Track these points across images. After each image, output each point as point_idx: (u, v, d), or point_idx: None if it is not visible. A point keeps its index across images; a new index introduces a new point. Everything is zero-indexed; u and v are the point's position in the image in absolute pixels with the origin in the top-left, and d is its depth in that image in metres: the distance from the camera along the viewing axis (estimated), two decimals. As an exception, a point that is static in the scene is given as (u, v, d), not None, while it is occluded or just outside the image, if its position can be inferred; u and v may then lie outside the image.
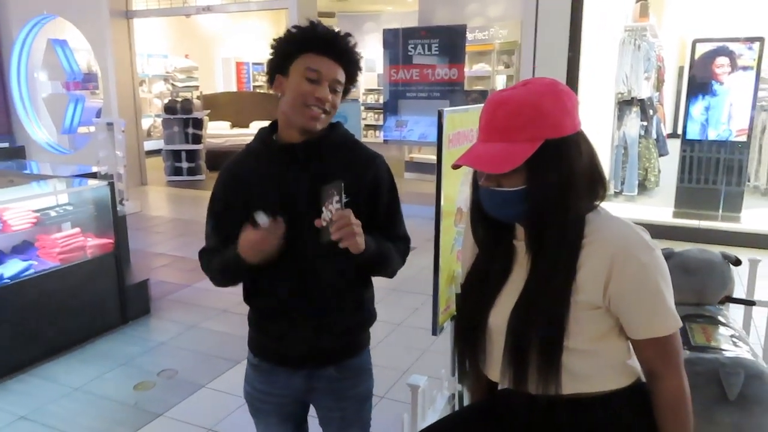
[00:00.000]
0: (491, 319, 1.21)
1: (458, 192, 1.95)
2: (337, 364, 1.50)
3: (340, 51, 1.39)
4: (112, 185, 3.92)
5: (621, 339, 1.18)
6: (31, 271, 3.47)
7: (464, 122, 1.92)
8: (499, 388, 1.29)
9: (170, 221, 7.06)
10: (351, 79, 1.44)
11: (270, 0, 7.82)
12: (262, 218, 1.32)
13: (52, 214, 3.86)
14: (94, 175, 4.66)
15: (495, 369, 1.23)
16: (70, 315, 3.58)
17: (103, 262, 3.82)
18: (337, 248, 1.32)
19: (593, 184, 1.15)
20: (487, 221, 1.21)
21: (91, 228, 3.93)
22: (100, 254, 3.81)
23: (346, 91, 1.45)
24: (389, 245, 1.46)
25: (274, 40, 1.43)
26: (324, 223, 1.29)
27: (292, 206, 1.39)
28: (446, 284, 1.92)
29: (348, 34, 1.41)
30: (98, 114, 8.74)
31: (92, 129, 8.21)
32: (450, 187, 1.87)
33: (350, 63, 1.41)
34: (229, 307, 4.14)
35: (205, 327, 3.92)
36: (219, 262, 1.48)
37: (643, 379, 1.22)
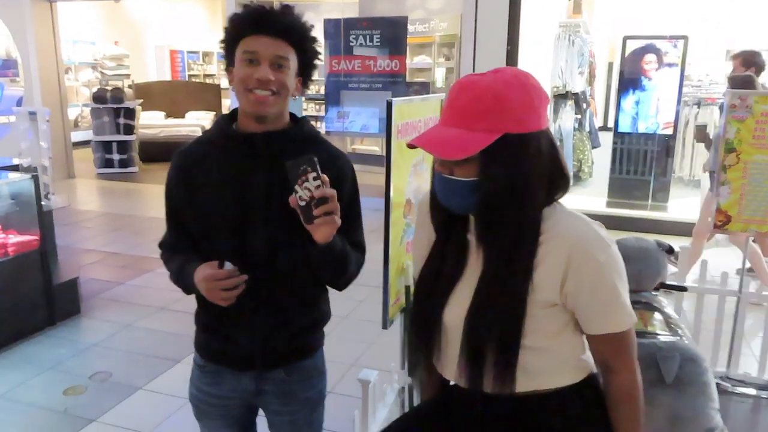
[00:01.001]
0: (446, 316, 1.18)
1: (407, 183, 1.92)
2: (287, 366, 1.43)
3: (277, 25, 1.28)
4: (35, 178, 3.69)
5: (576, 335, 1.18)
6: (-54, 271, 3.22)
7: (413, 113, 1.90)
8: (452, 383, 1.27)
9: (101, 215, 6.74)
10: (304, 51, 1.33)
11: (205, -14, 7.55)
12: (228, 265, 1.27)
13: (-31, 209, 3.59)
14: (15, 168, 4.36)
15: (450, 367, 1.21)
16: (-9, 317, 3.34)
17: (28, 260, 3.59)
18: (294, 240, 1.26)
19: (553, 182, 1.12)
20: (442, 210, 1.18)
21: (13, 224, 3.68)
22: (23, 252, 3.57)
23: (306, 67, 1.36)
24: (350, 250, 1.37)
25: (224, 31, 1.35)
26: (302, 203, 1.18)
27: (246, 198, 1.33)
28: (396, 276, 1.90)
29: (286, 6, 1.31)
30: (19, 103, 8.21)
31: (12, 119, 7.70)
32: (399, 179, 1.84)
33: (292, 34, 1.30)
34: (167, 305, 3.99)
35: (141, 326, 3.76)
36: (175, 272, 1.41)
37: (595, 372, 1.23)
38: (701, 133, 5.96)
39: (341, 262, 1.34)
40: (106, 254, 5.24)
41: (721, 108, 6.57)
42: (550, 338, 1.15)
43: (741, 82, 4.32)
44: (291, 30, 1.30)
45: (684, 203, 6.45)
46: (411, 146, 1.12)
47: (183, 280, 1.38)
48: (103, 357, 3.36)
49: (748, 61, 4.61)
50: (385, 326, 1.90)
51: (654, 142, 6.34)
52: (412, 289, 1.89)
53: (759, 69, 4.59)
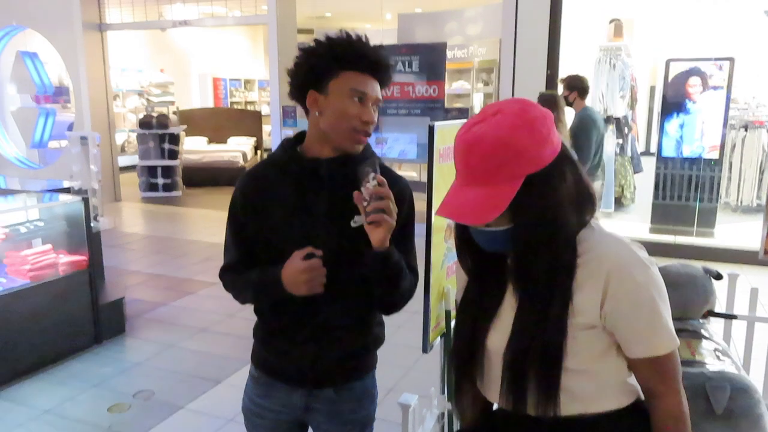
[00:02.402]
0: (489, 341, 1.18)
1: (448, 207, 1.92)
2: (337, 386, 1.46)
3: (384, 70, 1.36)
4: (86, 200, 3.82)
5: (620, 358, 1.15)
6: (0, 289, 3.34)
7: (453, 137, 1.90)
8: (496, 408, 1.26)
9: (145, 238, 6.92)
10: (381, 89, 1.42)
11: (248, 15, 7.78)
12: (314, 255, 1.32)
13: (22, 230, 3.74)
14: (66, 190, 4.54)
15: (493, 390, 1.20)
16: (40, 335, 3.45)
17: (76, 279, 3.70)
18: (353, 259, 1.32)
19: (581, 204, 1.11)
20: (476, 251, 1.17)
21: (63, 244, 3.81)
22: (72, 271, 3.69)
23: None
24: (405, 267, 1.39)
25: (303, 49, 1.37)
26: (363, 203, 1.25)
27: (310, 218, 1.37)
28: (437, 301, 1.89)
29: (381, 47, 1.38)
30: (70, 128, 8.57)
31: (63, 143, 8.04)
32: (440, 200, 1.85)
33: (388, 79, 1.39)
34: (208, 326, 4.05)
35: (183, 346, 3.82)
36: (255, 282, 1.40)
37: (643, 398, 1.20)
38: None
39: (395, 275, 1.35)
40: (150, 275, 5.37)
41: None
42: (593, 360, 1.12)
43: (544, 100, 4.67)
44: (389, 75, 1.38)
45: (732, 229, 6.25)
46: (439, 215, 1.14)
47: (266, 286, 1.37)
48: (147, 376, 3.42)
49: (570, 84, 5.02)
50: (425, 350, 1.89)
51: (699, 167, 6.19)
52: (452, 314, 1.88)
53: (581, 92, 4.98)
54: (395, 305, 1.43)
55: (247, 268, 1.44)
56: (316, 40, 1.37)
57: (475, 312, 1.21)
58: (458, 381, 1.29)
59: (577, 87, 4.95)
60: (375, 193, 1.25)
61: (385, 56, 1.36)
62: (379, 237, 1.27)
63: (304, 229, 1.36)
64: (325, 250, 1.34)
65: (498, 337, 1.15)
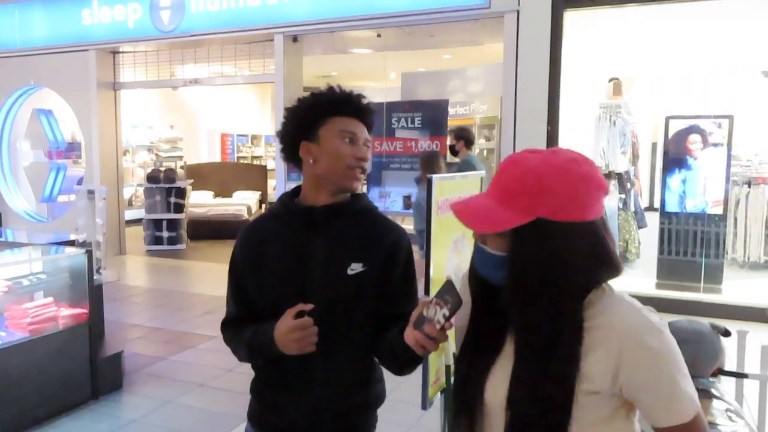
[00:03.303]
0: (487, 394, 1.13)
1: (447, 260, 1.92)
2: None
3: (368, 113, 1.43)
4: (89, 253, 3.83)
5: (628, 421, 1.11)
6: (-1, 342, 3.31)
7: (453, 189, 1.92)
8: None
9: (148, 291, 6.89)
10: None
11: (256, 74, 8.02)
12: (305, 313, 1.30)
13: (25, 282, 3.73)
14: (71, 243, 4.56)
15: None
16: (37, 390, 3.39)
17: (76, 333, 3.67)
18: (349, 309, 1.33)
19: (593, 272, 1.07)
20: (480, 278, 1.15)
21: (65, 297, 3.80)
22: (72, 324, 3.66)
23: None
24: None
25: (290, 108, 1.44)
26: (425, 314, 1.16)
27: (305, 270, 1.36)
28: (436, 356, 1.86)
29: (362, 95, 1.45)
30: (80, 182, 8.70)
31: (72, 198, 8.14)
32: (439, 255, 1.84)
33: (372, 123, 1.46)
34: (206, 381, 3.97)
35: (181, 403, 3.74)
36: (248, 341, 1.39)
37: None
38: None
39: (420, 361, 1.34)
40: (151, 329, 5.32)
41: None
42: (600, 425, 1.08)
43: (426, 158, 5.20)
44: (372, 119, 1.45)
45: (739, 285, 6.17)
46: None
47: (259, 346, 1.36)
48: (141, 434, 3.34)
49: (458, 135, 5.47)
50: (424, 407, 1.84)
51: (703, 222, 6.18)
52: (452, 369, 1.85)
53: (467, 142, 5.50)
54: (406, 373, 1.41)
55: (245, 322, 1.43)
56: (299, 98, 1.44)
57: (471, 360, 1.17)
58: None
59: (464, 137, 5.50)
60: (436, 323, 1.14)
61: (367, 102, 1.44)
62: (417, 348, 1.20)
63: (301, 278, 1.36)
64: (322, 300, 1.33)
65: (497, 390, 1.11)
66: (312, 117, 1.39)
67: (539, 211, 1.04)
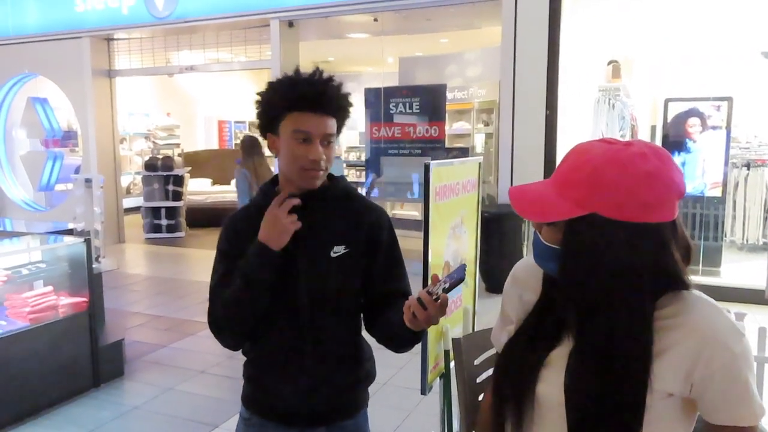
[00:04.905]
0: (541, 387, 1.08)
1: (445, 246, 1.92)
2: (330, 425, 1.43)
3: (328, 103, 1.34)
4: (88, 242, 3.82)
5: (691, 420, 1.08)
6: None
7: (450, 175, 1.91)
8: None
9: (147, 279, 6.90)
10: (341, 123, 1.40)
11: (253, 60, 7.96)
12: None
13: (24, 272, 3.73)
14: (70, 232, 4.56)
15: None
16: (38, 378, 3.40)
17: (76, 321, 3.68)
18: (336, 292, 1.33)
19: (656, 279, 1.00)
20: (551, 279, 1.10)
21: (64, 286, 3.80)
22: (72, 313, 3.67)
23: (340, 127, 1.42)
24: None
25: (258, 95, 1.40)
26: (434, 296, 1.17)
27: (290, 256, 1.36)
28: (435, 341, 1.87)
29: (330, 79, 1.36)
30: (77, 171, 8.67)
31: (70, 186, 8.12)
32: (437, 241, 1.84)
33: (339, 111, 1.37)
34: (207, 368, 3.99)
35: (182, 389, 3.76)
36: (241, 270, 1.36)
37: None
38: None
39: (417, 340, 1.35)
40: (151, 317, 5.33)
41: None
42: (667, 427, 1.04)
43: (247, 143, 5.52)
44: (339, 106, 1.37)
45: (738, 268, 6.19)
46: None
47: (251, 260, 1.33)
48: (144, 420, 3.36)
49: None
50: (423, 392, 1.85)
51: (702, 205, 6.18)
52: (451, 354, 1.85)
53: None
54: (407, 349, 1.42)
55: None
56: (268, 83, 1.40)
57: (524, 351, 1.11)
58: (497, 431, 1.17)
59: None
60: (442, 302, 1.17)
61: (330, 90, 1.34)
62: (412, 323, 1.21)
63: (286, 264, 1.36)
64: (308, 284, 1.35)
65: (552, 383, 1.06)
66: (272, 110, 1.36)
67: (596, 205, 0.98)
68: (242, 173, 5.40)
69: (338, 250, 1.37)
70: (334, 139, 1.38)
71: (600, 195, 0.97)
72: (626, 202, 0.96)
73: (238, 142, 13.94)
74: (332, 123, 1.36)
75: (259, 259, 1.33)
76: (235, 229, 1.45)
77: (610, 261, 0.98)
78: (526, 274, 1.20)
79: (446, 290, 1.16)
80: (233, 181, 10.88)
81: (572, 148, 1.05)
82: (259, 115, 1.40)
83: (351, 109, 1.42)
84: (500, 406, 1.14)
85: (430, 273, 1.80)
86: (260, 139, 5.57)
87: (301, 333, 1.36)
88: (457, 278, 1.17)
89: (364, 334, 1.51)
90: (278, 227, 1.32)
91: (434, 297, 1.16)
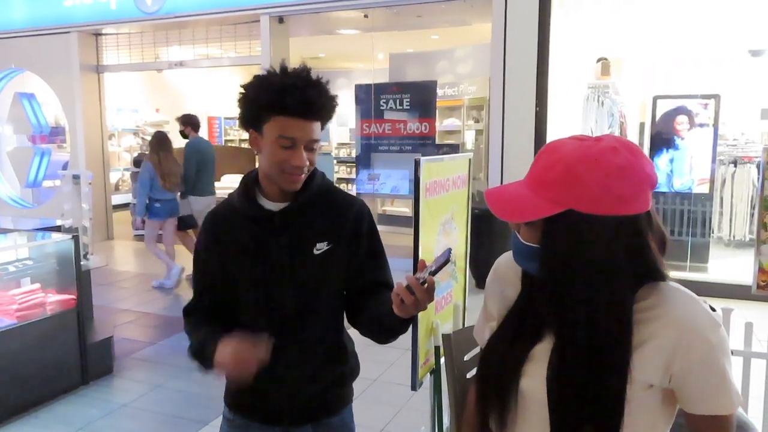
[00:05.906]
0: (524, 382, 1.09)
1: (436, 242, 1.92)
2: (315, 422, 1.43)
3: (314, 109, 1.31)
4: (76, 239, 3.79)
5: (671, 410, 1.09)
6: (-14, 329, 3.29)
7: (441, 171, 1.92)
8: None
9: (136, 276, 6.86)
10: (326, 122, 1.39)
11: (242, 56, 7.91)
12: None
13: (11, 269, 3.70)
14: (58, 229, 4.52)
15: None
16: (25, 376, 3.38)
17: (64, 318, 3.65)
18: (320, 292, 1.32)
19: (635, 270, 1.02)
20: (531, 277, 1.11)
21: (52, 283, 3.77)
22: (60, 311, 3.64)
23: (324, 125, 1.40)
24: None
25: (243, 87, 1.36)
26: (420, 281, 1.17)
27: (272, 255, 1.36)
28: (425, 337, 1.87)
29: (318, 83, 1.33)
30: (65, 167, 8.58)
31: (57, 183, 8.03)
32: (427, 237, 1.84)
33: (325, 116, 1.35)
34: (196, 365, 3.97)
35: (171, 387, 3.74)
36: (196, 343, 1.41)
37: None
38: None
39: (402, 330, 1.34)
40: (140, 314, 5.30)
41: (758, 166, 6.46)
42: (649, 418, 1.06)
43: (157, 139, 5.96)
44: (325, 112, 1.34)
45: (725, 264, 6.25)
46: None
47: (203, 355, 1.37)
48: (133, 418, 3.34)
49: (185, 121, 6.33)
50: (414, 388, 1.86)
51: (690, 201, 6.23)
52: (442, 350, 1.86)
53: (194, 126, 6.34)
54: (392, 340, 1.41)
55: (207, 312, 1.45)
56: (253, 79, 1.35)
57: (509, 347, 1.12)
58: (482, 425, 1.17)
59: (191, 122, 6.35)
60: (429, 287, 1.17)
61: (316, 96, 1.31)
62: (402, 311, 1.20)
63: (268, 264, 1.36)
64: (290, 282, 1.35)
65: (535, 378, 1.07)
66: (256, 111, 1.33)
67: (571, 202, 0.99)
68: (146, 166, 5.88)
69: (321, 247, 1.36)
70: (318, 144, 1.36)
71: (574, 191, 0.98)
72: (601, 196, 0.98)
73: (228, 138, 13.94)
74: (318, 127, 1.34)
75: (200, 363, 1.38)
76: (211, 229, 1.45)
77: (589, 255, 1.00)
78: (506, 269, 1.21)
79: (432, 273, 1.17)
80: (223, 177, 10.89)
81: (543, 147, 1.06)
82: (242, 110, 1.37)
83: (335, 108, 1.40)
84: (484, 402, 1.15)
85: (421, 269, 1.80)
86: (177, 132, 6.13)
87: (284, 331, 1.36)
88: (443, 261, 1.17)
89: (347, 327, 1.51)
90: (239, 371, 1.28)
91: (421, 281, 1.16)
